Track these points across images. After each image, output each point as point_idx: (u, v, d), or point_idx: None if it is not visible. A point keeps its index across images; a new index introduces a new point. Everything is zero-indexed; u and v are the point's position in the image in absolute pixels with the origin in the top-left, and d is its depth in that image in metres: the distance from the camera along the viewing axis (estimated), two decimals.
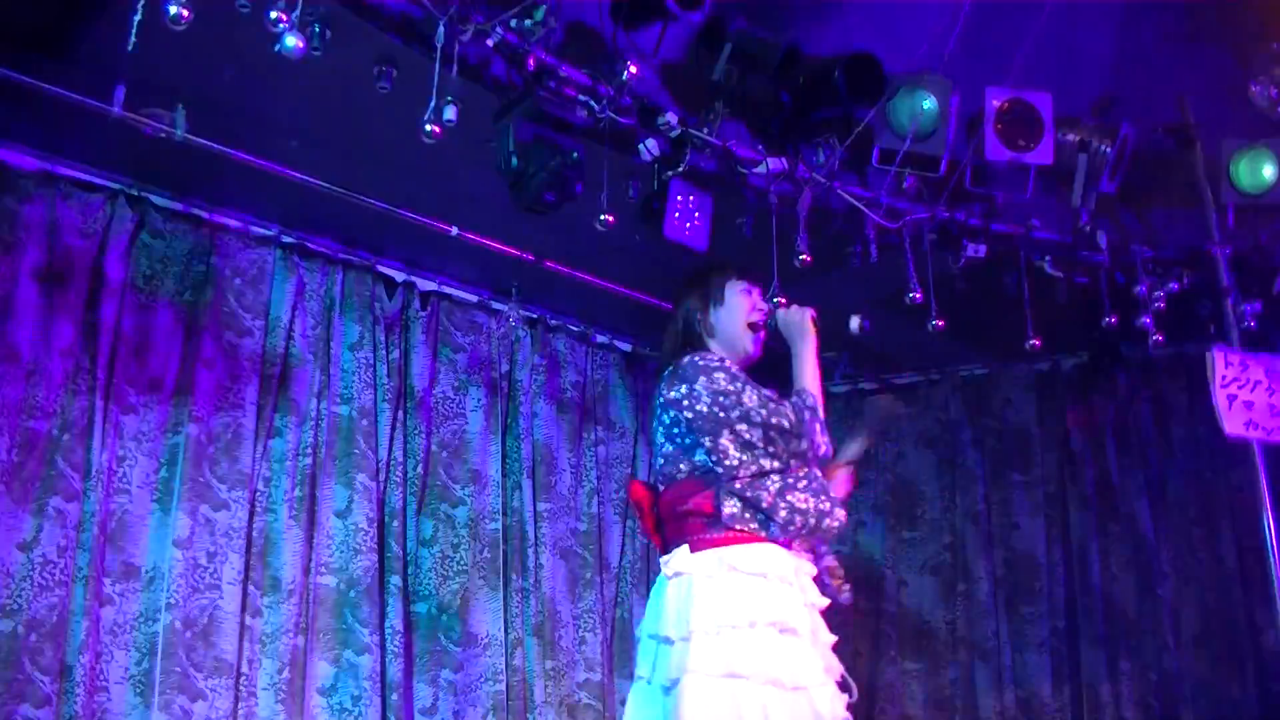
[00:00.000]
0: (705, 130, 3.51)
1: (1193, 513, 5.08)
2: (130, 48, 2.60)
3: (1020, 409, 5.63)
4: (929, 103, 3.72)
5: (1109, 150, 3.93)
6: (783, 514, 2.42)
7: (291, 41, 2.67)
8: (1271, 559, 3.64)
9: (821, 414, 2.56)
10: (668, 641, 2.38)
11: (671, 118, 3.42)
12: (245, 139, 3.56)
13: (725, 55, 3.41)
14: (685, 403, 2.50)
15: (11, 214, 3.61)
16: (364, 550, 4.19)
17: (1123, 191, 4.12)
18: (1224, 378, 3.68)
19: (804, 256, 3.66)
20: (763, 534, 2.43)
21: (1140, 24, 4.00)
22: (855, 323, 2.72)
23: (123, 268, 3.83)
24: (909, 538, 5.79)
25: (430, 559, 4.50)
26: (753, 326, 2.68)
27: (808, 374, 2.65)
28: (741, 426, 2.45)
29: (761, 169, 3.63)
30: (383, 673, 4.15)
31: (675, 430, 2.54)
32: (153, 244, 3.93)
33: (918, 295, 3.89)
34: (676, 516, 2.51)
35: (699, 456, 2.49)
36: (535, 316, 5.09)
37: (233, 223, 4.15)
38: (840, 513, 2.52)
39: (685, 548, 2.45)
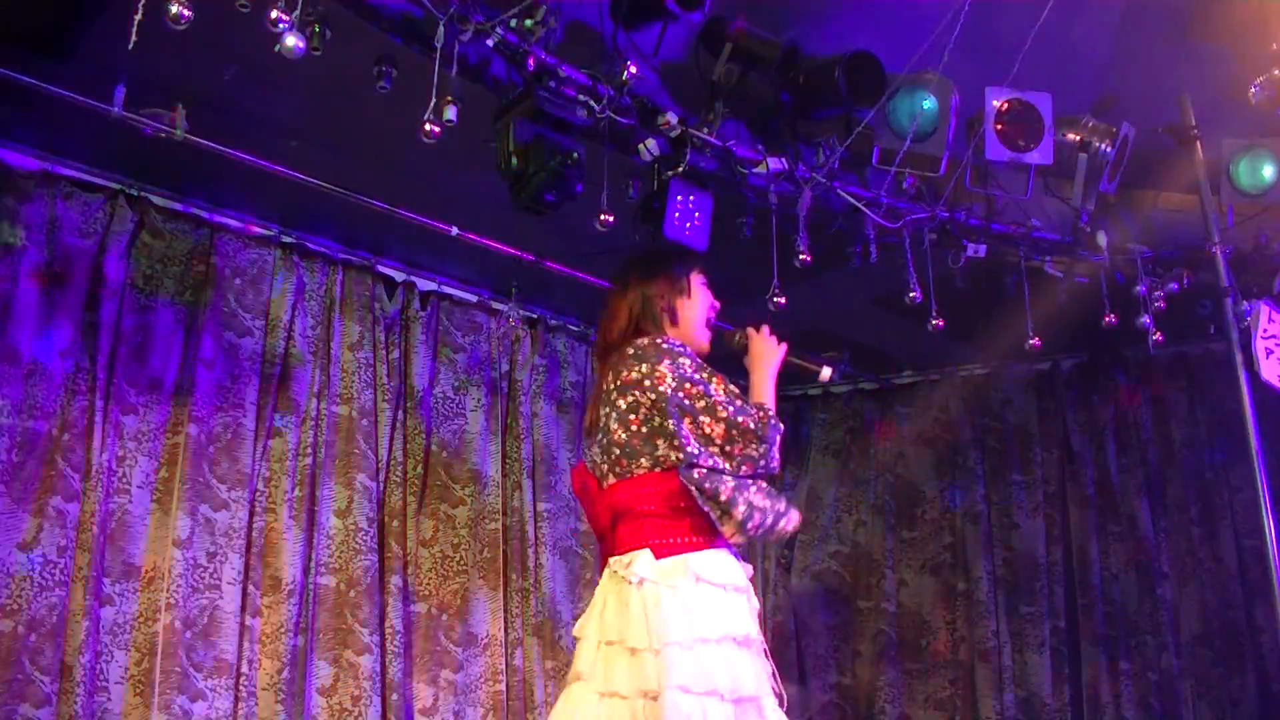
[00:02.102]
0: (705, 130, 3.51)
1: (1193, 513, 5.09)
2: (130, 47, 2.59)
3: (1020, 409, 5.63)
4: (929, 103, 3.72)
5: (1109, 150, 3.92)
6: (741, 509, 2.33)
7: (291, 41, 2.67)
8: (1271, 559, 3.63)
9: (780, 430, 2.47)
10: (631, 652, 2.30)
11: (671, 118, 3.42)
12: (245, 139, 3.56)
13: (725, 55, 3.41)
14: (646, 383, 2.39)
15: (11, 214, 3.61)
16: (364, 550, 4.19)
17: (1122, 191, 4.12)
18: (1265, 331, 3.78)
19: (804, 256, 3.66)
20: (719, 533, 2.37)
21: (1140, 24, 3.99)
22: (827, 373, 2.70)
23: (123, 268, 3.83)
24: (909, 538, 5.79)
25: (430, 559, 4.50)
26: (708, 324, 2.65)
27: (767, 397, 2.56)
28: (705, 419, 2.38)
29: (761, 169, 3.63)
30: (383, 673, 4.15)
31: (632, 415, 2.40)
32: (153, 244, 3.94)
33: (918, 295, 3.89)
34: (635, 516, 2.40)
35: (660, 449, 2.38)
36: (535, 316, 5.10)
37: (233, 222, 4.16)
38: (796, 516, 2.45)
39: (648, 553, 2.35)
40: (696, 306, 2.64)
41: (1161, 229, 4.32)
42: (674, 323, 2.60)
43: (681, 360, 2.42)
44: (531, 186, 3.08)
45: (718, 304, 2.70)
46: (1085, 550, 5.28)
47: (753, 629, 2.41)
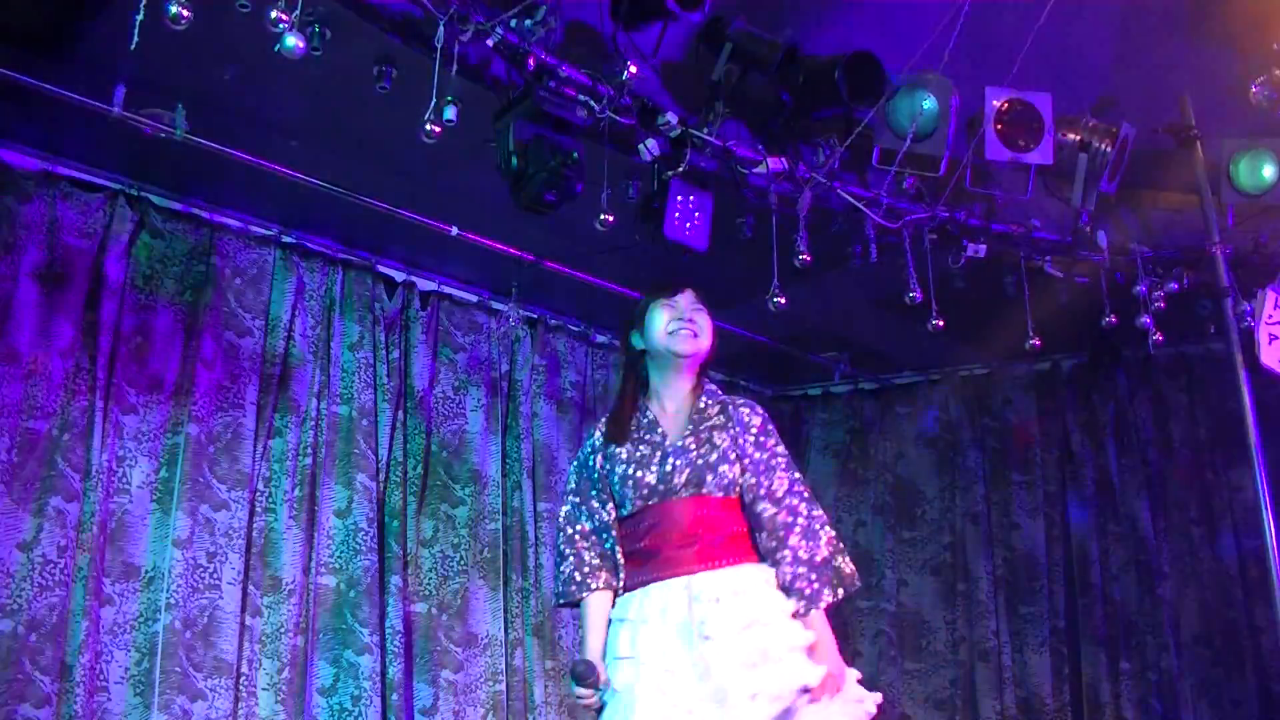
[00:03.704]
0: (705, 130, 3.51)
1: (1193, 513, 5.09)
2: (132, 47, 2.59)
3: (1020, 409, 5.63)
4: (929, 103, 3.72)
5: (1109, 150, 3.92)
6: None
7: (291, 41, 2.67)
8: (1271, 559, 3.64)
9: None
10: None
11: (671, 118, 3.42)
12: (245, 139, 3.56)
13: (725, 55, 3.41)
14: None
15: (11, 214, 3.61)
16: (364, 550, 4.19)
17: (1123, 191, 4.12)
18: (1270, 317, 3.81)
19: (804, 256, 3.65)
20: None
21: (1140, 24, 4.00)
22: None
23: (123, 268, 3.83)
24: (909, 538, 5.80)
25: (430, 559, 4.50)
26: (670, 331, 2.66)
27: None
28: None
29: (761, 169, 3.63)
30: (383, 673, 4.15)
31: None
32: (153, 244, 3.93)
33: (918, 295, 3.89)
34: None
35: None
36: (535, 316, 5.09)
37: (233, 223, 4.16)
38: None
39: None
40: (649, 331, 2.69)
41: (1161, 229, 4.32)
42: (645, 355, 2.72)
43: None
44: (531, 186, 3.08)
45: (673, 305, 2.69)
46: (1085, 550, 5.28)
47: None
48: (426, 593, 4.45)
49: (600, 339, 5.41)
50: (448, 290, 4.82)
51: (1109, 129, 3.96)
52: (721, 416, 2.64)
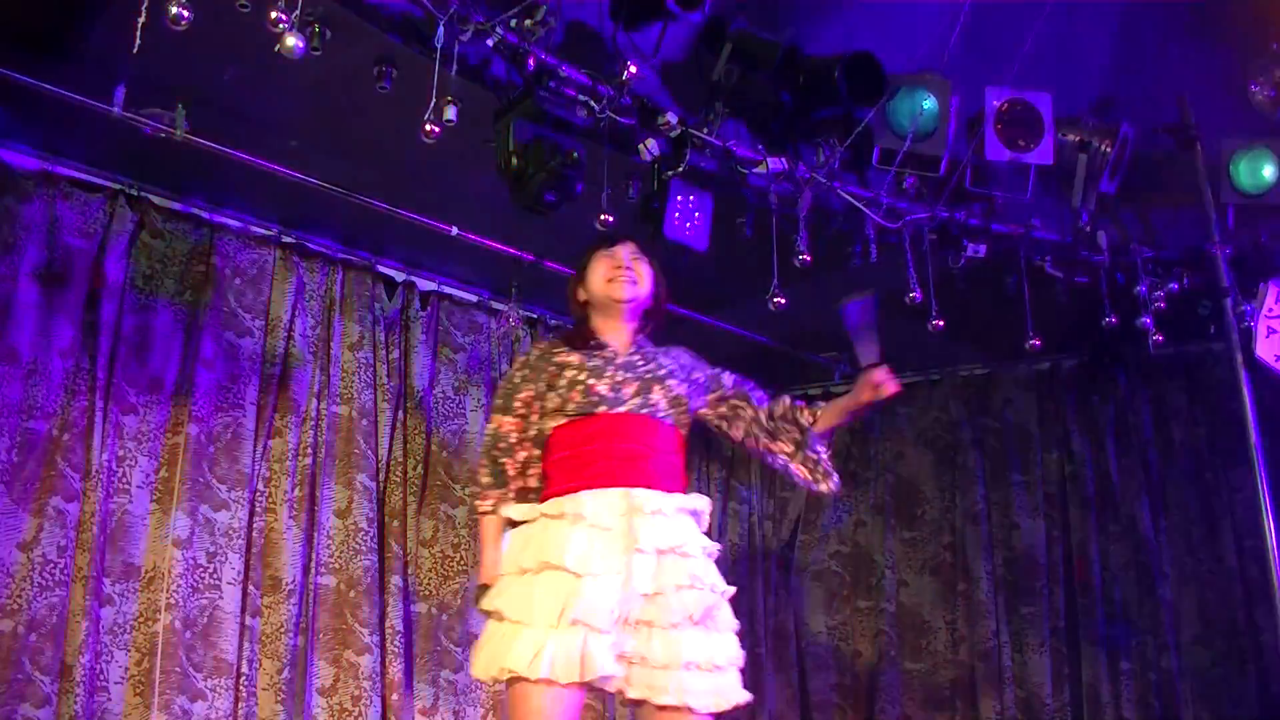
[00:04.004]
0: (705, 130, 3.51)
1: (1193, 513, 5.08)
2: (134, 50, 2.59)
3: (1020, 409, 5.63)
4: (929, 103, 3.72)
5: (1109, 150, 3.93)
6: None
7: (291, 41, 2.67)
8: (1271, 559, 3.64)
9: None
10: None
11: (671, 118, 3.42)
12: (245, 139, 3.56)
13: (725, 55, 3.41)
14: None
15: (11, 214, 3.61)
16: (364, 550, 4.19)
17: (1123, 191, 4.11)
18: (1270, 310, 3.79)
19: (804, 256, 3.65)
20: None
21: (1140, 24, 4.00)
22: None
23: (123, 268, 3.83)
24: (909, 538, 5.79)
25: (430, 559, 4.50)
26: (610, 280, 2.71)
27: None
28: None
29: (761, 169, 3.63)
30: (383, 673, 4.15)
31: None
32: (153, 244, 3.93)
33: (918, 295, 3.89)
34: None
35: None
36: (535, 316, 5.09)
37: (233, 223, 4.16)
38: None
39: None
40: (590, 281, 2.75)
41: (1161, 229, 4.32)
42: (588, 305, 2.77)
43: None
44: (531, 186, 3.07)
45: (612, 255, 2.75)
46: (1085, 550, 5.28)
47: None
48: (426, 593, 4.45)
49: None
50: (448, 290, 4.82)
51: (1109, 129, 3.96)
52: (663, 355, 2.75)
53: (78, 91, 3.20)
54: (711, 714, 2.43)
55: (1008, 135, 3.82)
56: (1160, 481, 5.20)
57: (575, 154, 3.07)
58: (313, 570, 4.08)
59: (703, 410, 2.78)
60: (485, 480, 2.66)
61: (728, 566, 5.80)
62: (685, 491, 2.60)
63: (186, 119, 3.29)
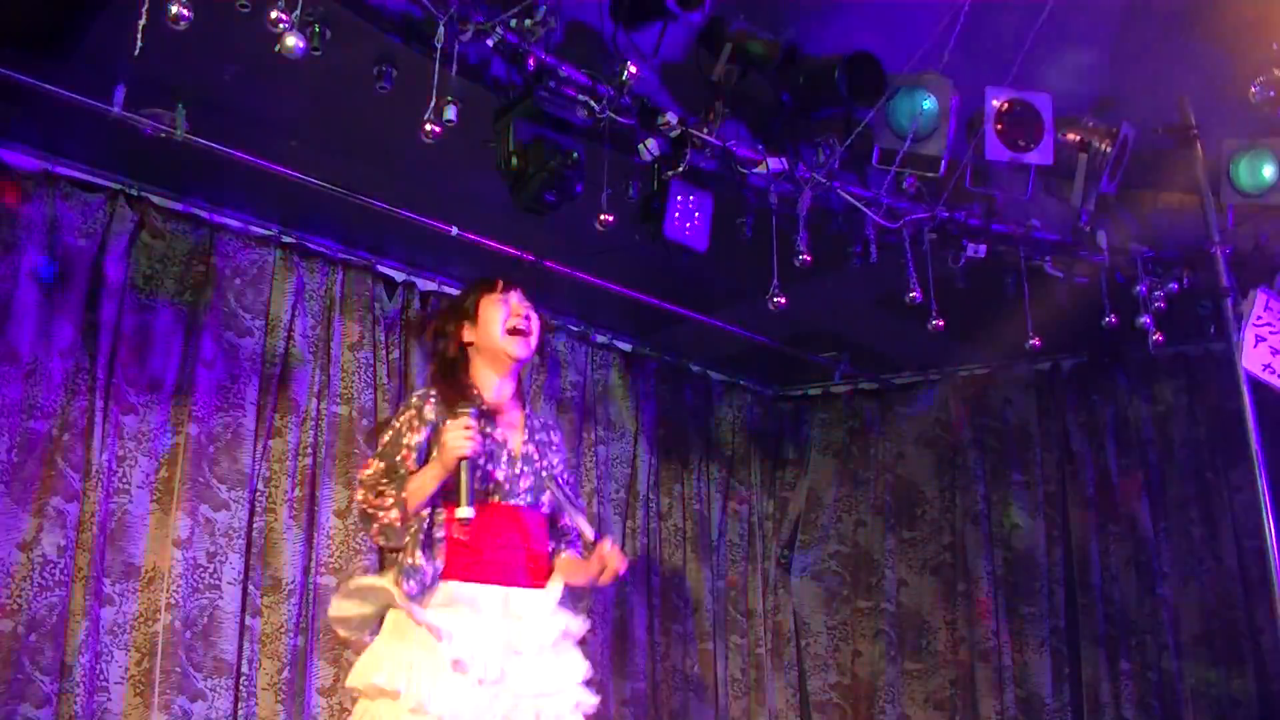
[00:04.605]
0: (705, 130, 3.51)
1: (1193, 513, 5.09)
2: (136, 53, 2.59)
3: (1020, 409, 5.63)
4: (929, 103, 3.72)
5: (1109, 150, 3.92)
6: None
7: (291, 41, 2.67)
8: (1271, 559, 3.64)
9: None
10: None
11: (671, 118, 3.42)
12: (245, 139, 3.56)
13: (725, 55, 3.41)
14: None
15: (11, 214, 3.61)
16: (364, 550, 4.19)
17: (1123, 192, 4.11)
18: (1259, 318, 3.78)
19: (804, 256, 3.66)
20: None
21: (1140, 24, 4.00)
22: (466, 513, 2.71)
23: (123, 268, 3.83)
24: (909, 538, 5.80)
25: None
26: (511, 331, 2.75)
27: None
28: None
29: (761, 169, 3.63)
30: None
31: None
32: (153, 244, 3.93)
33: (918, 295, 3.89)
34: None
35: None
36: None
37: (233, 223, 4.15)
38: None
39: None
40: (485, 326, 2.77)
41: (1161, 229, 4.32)
42: (474, 348, 2.80)
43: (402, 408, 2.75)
44: (531, 186, 3.08)
45: (507, 302, 2.79)
46: (1085, 550, 5.28)
47: None
48: None
49: (600, 339, 5.41)
50: (448, 290, 4.81)
51: (1109, 129, 3.96)
52: (544, 434, 2.82)
53: (78, 91, 3.20)
54: None
55: (1008, 135, 3.81)
56: (1160, 481, 5.20)
57: (575, 154, 3.07)
58: (313, 570, 4.08)
59: None
60: (384, 502, 2.59)
61: (727, 566, 5.82)
62: (548, 580, 2.73)
63: (186, 119, 3.29)
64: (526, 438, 2.75)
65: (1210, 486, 5.05)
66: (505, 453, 2.67)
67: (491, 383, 2.78)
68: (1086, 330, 4.40)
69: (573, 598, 2.87)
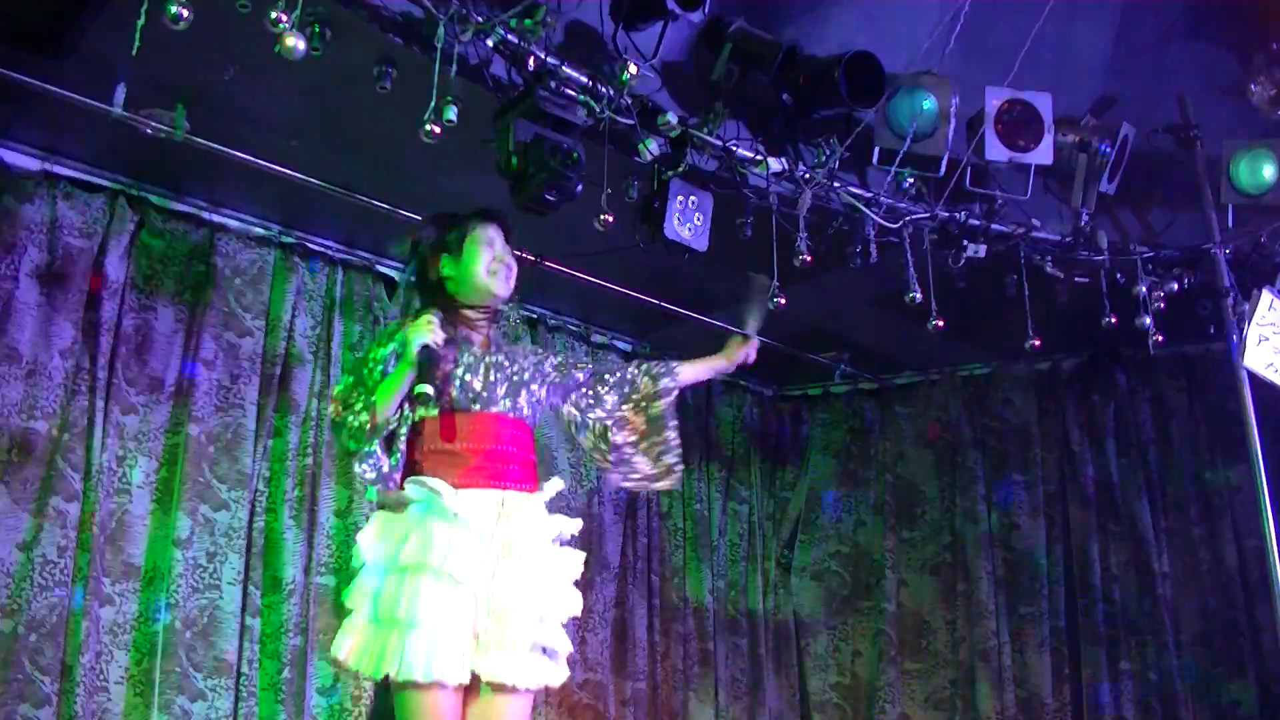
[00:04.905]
0: (705, 130, 3.51)
1: (1193, 513, 5.09)
2: (134, 53, 2.59)
3: (1020, 409, 5.63)
4: (929, 103, 3.72)
5: (1109, 150, 3.93)
6: None
7: (291, 41, 2.67)
8: (1271, 559, 3.64)
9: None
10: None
11: (671, 118, 3.42)
12: (245, 139, 3.56)
13: (725, 55, 3.41)
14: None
15: (11, 214, 3.61)
16: None
17: (1122, 191, 4.12)
18: (1263, 318, 3.76)
19: (804, 256, 3.66)
20: None
21: (1140, 24, 4.00)
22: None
23: (123, 268, 3.83)
24: (909, 538, 5.79)
25: None
26: (490, 271, 2.73)
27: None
28: None
29: (761, 169, 3.63)
30: None
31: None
32: (153, 244, 3.93)
33: (918, 295, 3.89)
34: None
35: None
36: (535, 316, 5.09)
37: (233, 223, 4.15)
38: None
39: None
40: (468, 264, 2.73)
41: (1161, 229, 4.32)
42: (449, 279, 2.75)
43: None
44: (531, 186, 3.07)
45: (492, 244, 2.77)
46: (1085, 550, 5.28)
47: None
48: None
49: (600, 339, 5.41)
50: None
51: (1109, 129, 3.96)
52: (510, 344, 2.83)
53: (78, 91, 3.20)
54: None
55: (1008, 135, 3.82)
56: (1160, 481, 5.20)
57: (575, 154, 3.07)
58: (313, 570, 4.08)
59: (561, 406, 2.88)
60: (354, 407, 2.56)
61: (727, 566, 5.82)
62: (539, 486, 2.69)
63: (186, 119, 3.29)
64: (493, 349, 2.75)
65: (1210, 486, 5.05)
66: (480, 363, 2.67)
67: (468, 321, 2.75)
68: (1086, 330, 4.40)
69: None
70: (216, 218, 4.10)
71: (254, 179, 3.73)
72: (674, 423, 2.84)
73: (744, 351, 2.98)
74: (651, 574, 5.36)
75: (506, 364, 2.71)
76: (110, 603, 3.63)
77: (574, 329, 5.28)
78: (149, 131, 3.27)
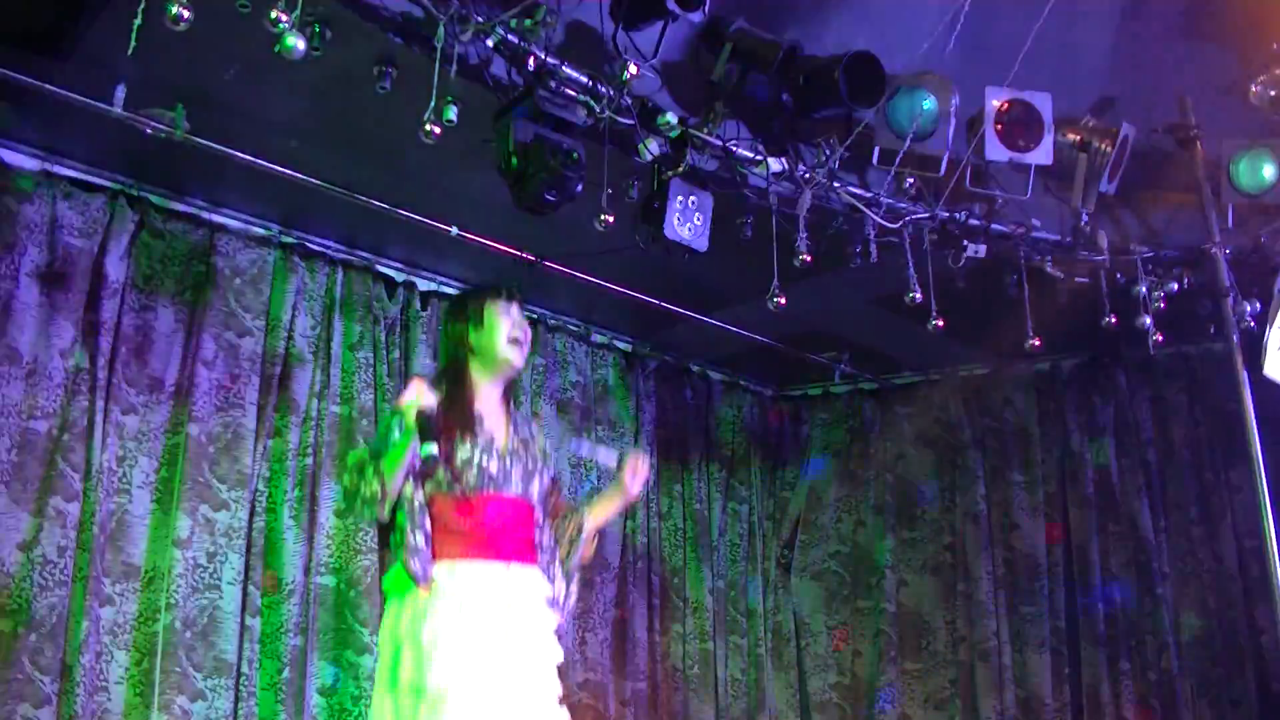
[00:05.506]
0: (705, 130, 3.51)
1: (1193, 513, 5.09)
2: (130, 52, 2.59)
3: (1020, 409, 5.63)
4: (929, 103, 3.72)
5: (1109, 150, 3.93)
6: None
7: (291, 41, 2.67)
8: (1271, 559, 3.64)
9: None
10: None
11: (671, 118, 3.42)
12: (245, 139, 3.56)
13: (725, 55, 3.41)
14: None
15: (11, 214, 3.61)
16: (364, 550, 4.19)
17: (1122, 191, 4.12)
18: None
19: (804, 256, 3.65)
20: None
21: (1140, 24, 4.00)
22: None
23: (123, 268, 3.83)
24: (909, 538, 5.80)
25: None
26: (513, 341, 2.86)
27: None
28: None
29: (761, 169, 3.63)
30: None
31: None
32: (153, 244, 3.93)
33: (918, 295, 3.89)
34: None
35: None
36: (535, 316, 5.09)
37: (233, 223, 4.15)
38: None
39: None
40: (489, 334, 2.86)
41: (1161, 229, 4.32)
42: (472, 351, 2.87)
43: None
44: (531, 186, 3.07)
45: (510, 314, 2.90)
46: (1085, 550, 5.28)
47: None
48: None
49: (600, 339, 5.41)
50: (448, 290, 4.81)
51: (1109, 129, 3.96)
52: (528, 429, 2.95)
53: (78, 91, 3.20)
54: None
55: (1008, 135, 3.82)
56: (1160, 481, 5.21)
57: (575, 154, 3.07)
58: (313, 570, 4.08)
59: None
60: (365, 476, 2.66)
61: (727, 566, 5.82)
62: (538, 559, 2.87)
63: (186, 119, 3.29)
64: (512, 432, 2.87)
65: (1210, 486, 5.05)
66: (495, 449, 2.79)
67: (484, 385, 2.87)
68: (1086, 330, 4.40)
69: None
70: (216, 218, 4.10)
71: (254, 179, 3.73)
72: (576, 574, 3.00)
73: (636, 478, 3.01)
74: (651, 574, 5.36)
75: (523, 451, 2.85)
76: (110, 603, 3.63)
77: (574, 329, 5.28)
78: (149, 131, 3.27)
